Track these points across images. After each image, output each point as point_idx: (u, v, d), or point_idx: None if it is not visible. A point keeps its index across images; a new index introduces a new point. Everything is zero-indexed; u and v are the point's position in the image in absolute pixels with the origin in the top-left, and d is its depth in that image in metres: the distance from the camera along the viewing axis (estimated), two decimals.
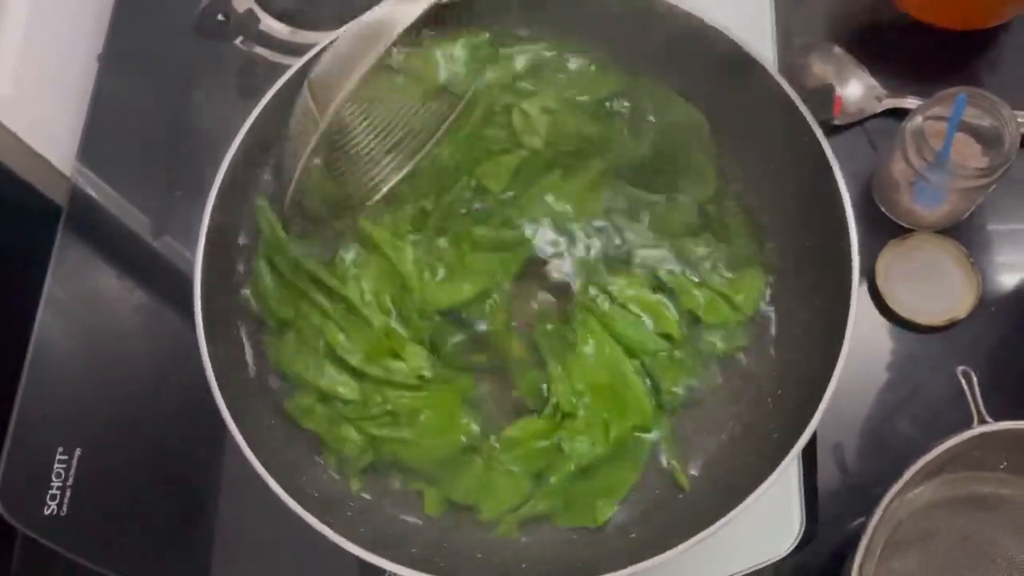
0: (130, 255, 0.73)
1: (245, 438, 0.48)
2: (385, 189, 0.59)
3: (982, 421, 0.55)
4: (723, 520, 0.46)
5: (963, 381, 0.57)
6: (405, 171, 0.59)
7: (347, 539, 0.45)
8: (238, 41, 0.75)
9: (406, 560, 0.45)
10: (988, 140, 0.66)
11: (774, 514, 0.59)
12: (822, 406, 0.48)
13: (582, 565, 0.50)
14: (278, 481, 0.47)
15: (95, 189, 0.74)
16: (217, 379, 0.50)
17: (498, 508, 0.55)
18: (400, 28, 0.47)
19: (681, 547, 0.46)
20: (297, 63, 0.57)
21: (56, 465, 0.64)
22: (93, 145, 0.75)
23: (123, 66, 0.77)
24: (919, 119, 0.64)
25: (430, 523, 0.55)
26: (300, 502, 0.46)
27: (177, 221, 0.73)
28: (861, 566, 0.53)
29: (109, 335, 0.70)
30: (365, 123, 0.56)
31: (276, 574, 0.62)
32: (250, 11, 0.75)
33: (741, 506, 0.46)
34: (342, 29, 0.50)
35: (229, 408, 0.49)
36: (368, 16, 0.49)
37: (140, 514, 0.64)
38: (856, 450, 0.66)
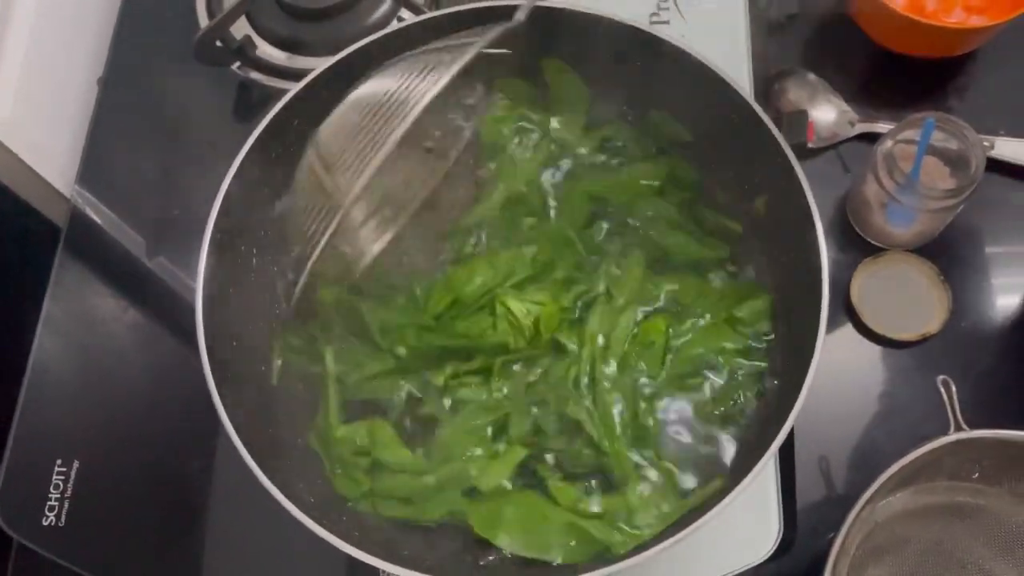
0: (127, 275, 0.74)
1: (248, 449, 0.49)
2: (369, 258, 0.56)
3: (959, 428, 0.57)
4: (701, 519, 0.48)
5: (942, 390, 0.59)
6: (387, 237, 0.57)
7: (344, 541, 0.47)
8: (235, 66, 0.77)
9: (399, 561, 0.47)
10: (956, 163, 0.68)
11: (753, 520, 0.61)
12: (797, 406, 0.50)
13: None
14: (279, 489, 0.48)
15: (94, 211, 0.76)
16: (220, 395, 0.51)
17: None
18: (421, 107, 0.45)
19: (658, 547, 0.47)
20: (294, 88, 0.59)
21: (55, 477, 0.65)
22: (93, 167, 0.77)
23: (123, 89, 0.80)
24: (890, 143, 0.66)
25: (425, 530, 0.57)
26: (300, 507, 0.48)
27: (174, 242, 0.75)
28: (835, 567, 0.55)
29: (106, 352, 0.72)
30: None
31: None
32: (247, 37, 0.77)
33: (718, 507, 0.48)
34: (350, 96, 0.49)
35: (231, 419, 0.50)
36: (392, 85, 0.47)
37: (136, 524, 0.66)
38: (836, 463, 0.67)
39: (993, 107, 0.77)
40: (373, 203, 0.56)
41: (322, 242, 0.47)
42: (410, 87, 0.46)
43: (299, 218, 0.49)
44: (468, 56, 0.46)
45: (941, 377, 0.60)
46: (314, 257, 0.48)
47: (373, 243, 0.56)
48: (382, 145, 0.45)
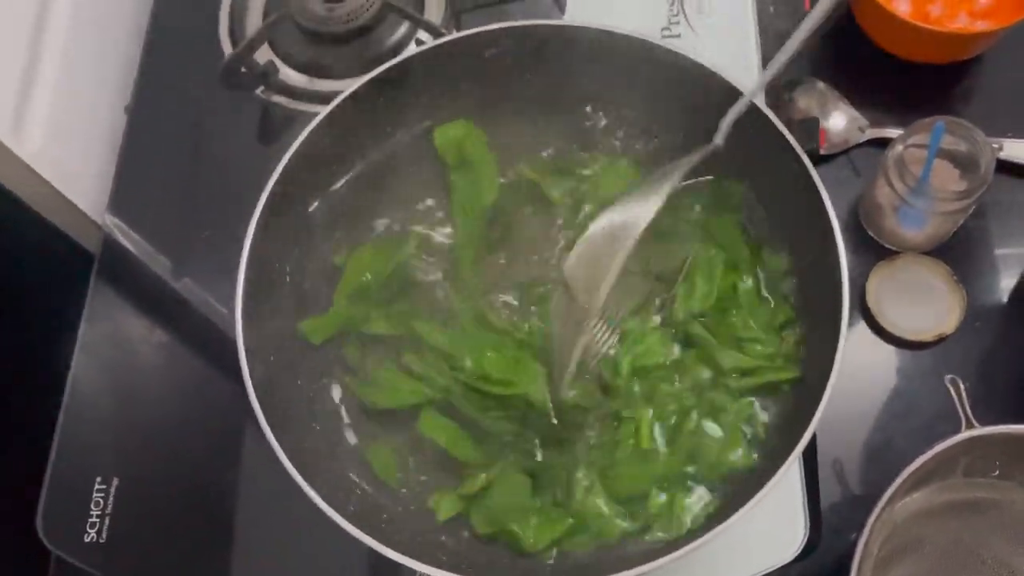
0: (159, 298, 0.76)
1: (291, 460, 0.51)
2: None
3: (970, 426, 0.58)
4: (729, 520, 0.49)
5: (951, 389, 0.60)
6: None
7: (386, 545, 0.48)
8: (259, 91, 0.79)
9: (441, 564, 0.48)
10: (965, 165, 0.70)
11: (779, 522, 0.62)
12: (821, 406, 0.51)
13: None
14: (322, 497, 0.50)
15: (126, 237, 0.78)
16: (261, 406, 0.53)
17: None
18: (643, 225, 0.52)
19: (687, 548, 0.49)
20: (323, 111, 0.61)
21: (95, 494, 0.67)
22: (123, 194, 0.79)
23: (150, 117, 0.82)
24: (900, 147, 0.67)
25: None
26: (342, 513, 0.49)
27: (204, 265, 0.77)
28: (860, 566, 0.56)
29: (140, 372, 0.74)
30: None
31: None
32: (270, 62, 0.79)
33: (747, 506, 0.49)
34: (593, 226, 0.55)
35: (273, 430, 0.52)
36: (617, 215, 0.54)
37: (173, 538, 0.67)
38: (855, 464, 0.68)
39: (1000, 109, 0.78)
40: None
41: (583, 331, 0.54)
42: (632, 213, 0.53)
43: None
44: (675, 177, 0.54)
45: (949, 376, 0.61)
46: (578, 349, 0.54)
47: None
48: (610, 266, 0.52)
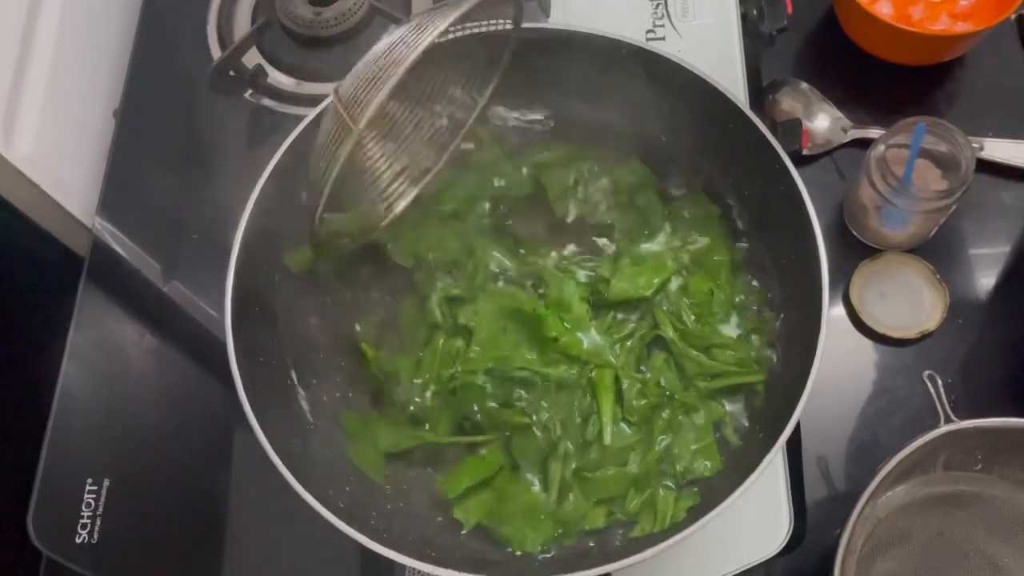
0: (149, 302, 0.76)
1: (281, 458, 0.52)
2: (391, 216, 0.62)
3: (948, 421, 0.59)
4: (714, 512, 0.50)
5: (929, 385, 0.61)
6: (411, 197, 0.62)
7: (375, 541, 0.49)
8: (247, 94, 0.79)
9: (430, 560, 0.49)
10: (947, 165, 0.71)
11: (764, 516, 0.63)
12: (804, 395, 0.52)
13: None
14: (311, 492, 0.51)
15: (115, 241, 0.78)
16: (251, 406, 0.54)
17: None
18: (421, 50, 0.49)
19: (671, 540, 0.49)
20: (310, 113, 0.61)
21: (86, 496, 0.67)
22: (112, 198, 0.79)
23: (138, 120, 0.82)
24: (882, 147, 0.68)
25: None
26: (332, 510, 0.50)
27: (194, 268, 0.77)
28: (843, 565, 0.56)
29: (130, 375, 0.74)
30: (378, 147, 0.59)
31: None
32: (259, 66, 0.79)
33: (730, 499, 0.50)
34: (371, 51, 0.52)
35: (262, 427, 0.52)
36: (395, 35, 0.51)
37: (164, 539, 0.68)
38: (840, 461, 0.69)
39: (981, 110, 0.80)
40: (397, 161, 0.61)
41: (338, 164, 0.50)
42: (421, 31, 0.50)
43: (318, 154, 0.52)
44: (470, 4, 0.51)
45: (927, 372, 0.62)
46: (330, 180, 0.51)
47: (399, 200, 0.62)
48: (392, 76, 0.49)
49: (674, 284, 0.65)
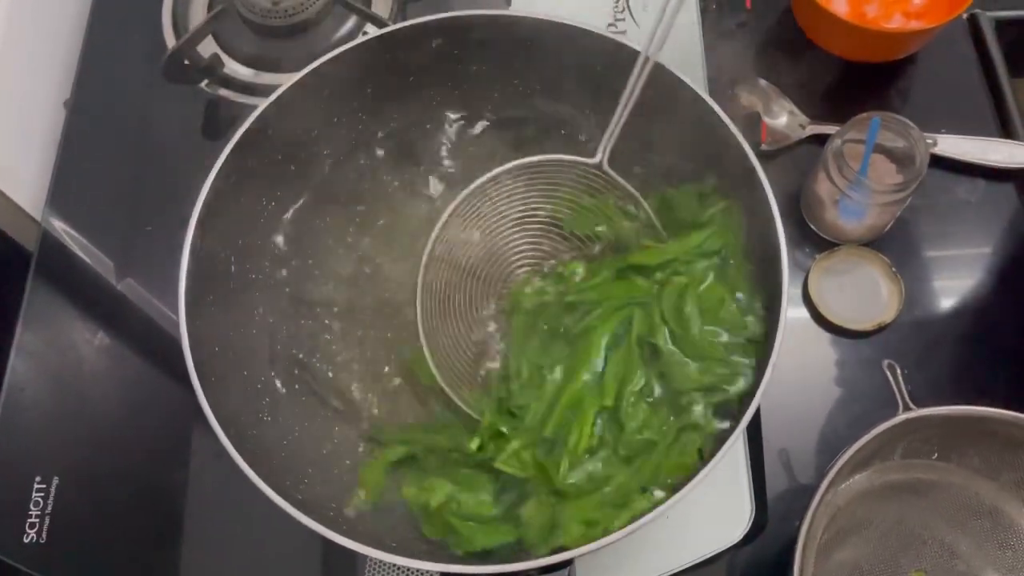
0: (100, 297, 0.75)
1: (237, 449, 0.50)
2: None
3: (907, 409, 0.60)
4: (677, 495, 0.50)
5: (888, 374, 0.62)
6: None
7: (334, 531, 0.48)
8: (203, 84, 0.78)
9: (389, 549, 0.48)
10: (901, 159, 0.72)
11: (726, 505, 0.63)
12: (764, 381, 0.53)
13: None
14: (269, 484, 0.49)
15: (65, 235, 0.76)
16: (207, 397, 0.53)
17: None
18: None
19: (634, 525, 0.49)
20: (262, 104, 0.60)
21: (34, 494, 0.66)
22: (62, 190, 0.77)
23: (90, 111, 0.80)
24: (839, 142, 0.69)
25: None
26: (290, 501, 0.49)
27: (147, 262, 0.75)
28: (804, 549, 0.57)
29: (81, 371, 0.72)
30: None
31: None
32: (215, 55, 0.78)
33: (691, 484, 0.50)
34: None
35: (218, 419, 0.51)
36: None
37: (116, 538, 0.66)
38: (801, 453, 0.69)
39: (934, 107, 0.81)
40: None
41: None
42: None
43: None
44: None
45: (887, 361, 0.63)
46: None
47: None
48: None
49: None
